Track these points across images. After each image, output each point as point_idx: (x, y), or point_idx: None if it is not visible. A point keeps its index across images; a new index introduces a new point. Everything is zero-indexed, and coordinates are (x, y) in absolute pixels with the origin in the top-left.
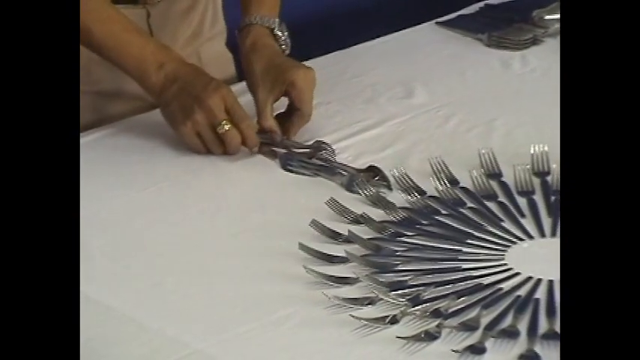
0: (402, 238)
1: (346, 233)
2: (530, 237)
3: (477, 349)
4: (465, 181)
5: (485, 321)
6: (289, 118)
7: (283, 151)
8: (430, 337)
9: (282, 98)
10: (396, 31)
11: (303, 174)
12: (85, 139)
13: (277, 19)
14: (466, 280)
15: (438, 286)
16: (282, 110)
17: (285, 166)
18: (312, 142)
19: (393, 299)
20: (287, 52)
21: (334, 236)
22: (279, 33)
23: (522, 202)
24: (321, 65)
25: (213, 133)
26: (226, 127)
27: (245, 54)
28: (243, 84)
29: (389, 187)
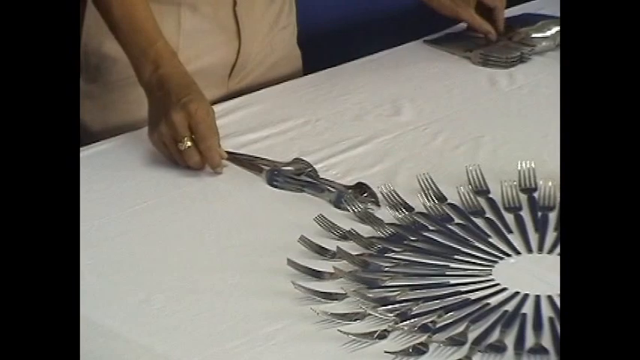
0: (390, 254)
1: (334, 249)
2: (518, 252)
3: None
4: (453, 198)
5: (472, 336)
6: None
7: (268, 167)
8: (418, 351)
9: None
10: (383, 49)
11: (290, 189)
12: None
13: None
14: (454, 296)
15: (426, 302)
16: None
17: (271, 182)
18: (290, 161)
19: (381, 314)
20: None
21: (322, 252)
22: None
23: (509, 217)
24: (310, 83)
25: (175, 147)
26: (187, 144)
27: None
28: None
29: (377, 204)
